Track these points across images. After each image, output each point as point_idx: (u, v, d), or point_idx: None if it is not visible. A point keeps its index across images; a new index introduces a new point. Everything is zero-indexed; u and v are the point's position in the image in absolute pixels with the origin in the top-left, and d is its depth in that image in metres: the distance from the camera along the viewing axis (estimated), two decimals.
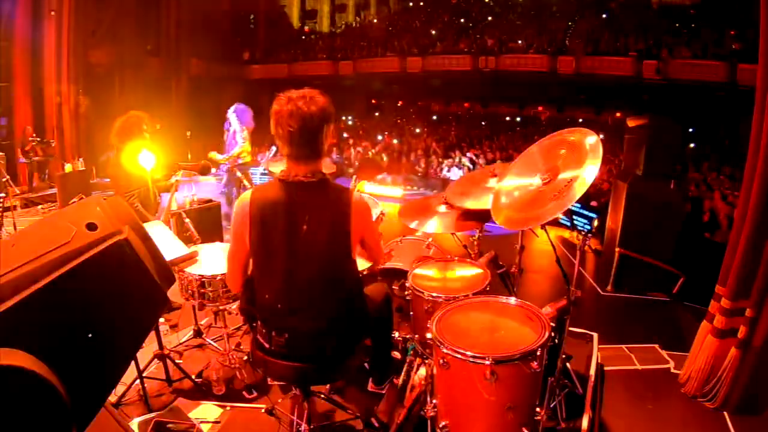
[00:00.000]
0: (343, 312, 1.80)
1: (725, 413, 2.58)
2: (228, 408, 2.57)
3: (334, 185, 1.78)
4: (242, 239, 1.75)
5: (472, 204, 2.64)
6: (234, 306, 2.74)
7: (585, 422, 2.32)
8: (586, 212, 7.85)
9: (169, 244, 2.53)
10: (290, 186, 1.71)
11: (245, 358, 2.90)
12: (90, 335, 1.16)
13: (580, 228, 7.22)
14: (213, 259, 2.80)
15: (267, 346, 1.81)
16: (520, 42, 17.03)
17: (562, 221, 7.08)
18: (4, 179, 6.99)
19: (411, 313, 2.46)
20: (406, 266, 2.73)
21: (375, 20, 24.04)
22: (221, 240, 4.22)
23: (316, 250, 1.70)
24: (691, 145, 14.29)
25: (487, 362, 1.66)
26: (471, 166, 12.25)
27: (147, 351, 2.82)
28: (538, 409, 1.84)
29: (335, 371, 1.90)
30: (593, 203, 8.19)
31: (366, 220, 1.82)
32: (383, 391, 2.49)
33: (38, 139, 9.23)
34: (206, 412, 2.54)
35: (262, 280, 1.78)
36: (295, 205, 1.69)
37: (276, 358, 1.81)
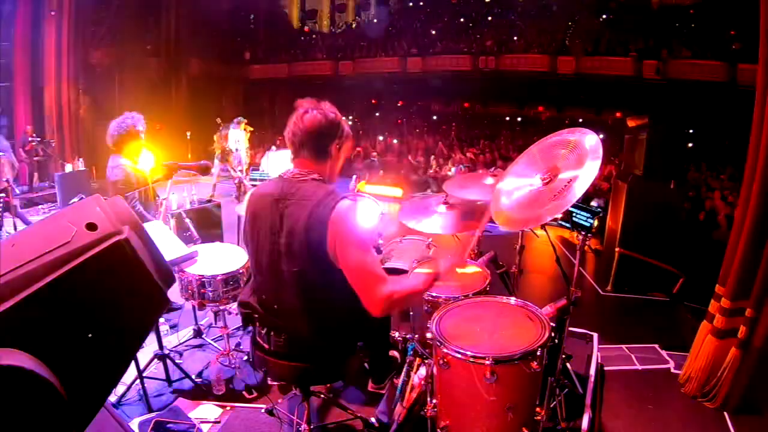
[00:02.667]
0: (336, 314, 1.75)
1: (725, 413, 2.59)
2: (228, 408, 2.57)
3: (326, 188, 1.70)
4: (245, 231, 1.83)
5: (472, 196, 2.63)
6: (234, 305, 2.74)
7: (585, 422, 2.32)
8: (586, 211, 7.85)
9: (169, 244, 2.53)
10: (284, 181, 1.74)
11: (245, 358, 2.90)
12: (90, 335, 1.16)
13: (580, 227, 7.21)
14: (213, 259, 2.80)
15: (267, 347, 1.81)
16: (516, 38, 17.02)
17: (561, 222, 7.07)
18: (4, 179, 6.99)
19: (411, 313, 2.46)
20: (406, 266, 2.73)
21: (375, 20, 24.03)
22: (221, 240, 4.21)
23: (295, 246, 1.65)
24: (691, 145, 14.28)
25: (487, 362, 1.66)
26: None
27: (147, 351, 2.82)
28: (538, 409, 1.84)
29: (335, 371, 1.90)
30: (593, 203, 8.19)
31: (342, 236, 1.59)
32: (383, 391, 2.49)
33: (38, 139, 9.24)
34: (206, 412, 2.54)
35: (257, 279, 1.81)
36: (282, 198, 1.70)
37: (276, 359, 1.81)
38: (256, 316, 1.83)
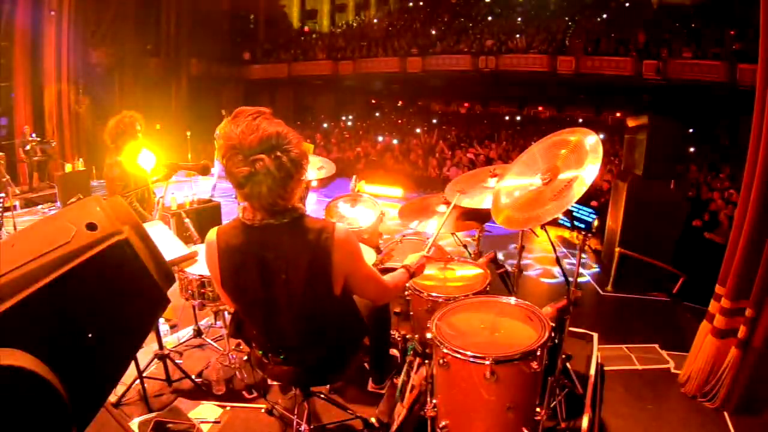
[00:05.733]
0: (335, 342, 1.74)
1: (725, 413, 2.58)
2: (228, 408, 2.56)
3: (311, 223, 1.52)
4: (218, 281, 1.64)
5: (469, 203, 2.64)
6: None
7: (585, 422, 2.32)
8: (586, 212, 7.86)
9: (169, 244, 2.53)
10: (260, 232, 1.49)
11: (245, 358, 2.90)
12: (90, 335, 1.16)
13: (579, 227, 7.23)
14: None
15: (264, 361, 1.80)
16: (518, 36, 17.03)
17: (561, 222, 7.08)
18: (4, 179, 7.00)
19: (411, 313, 2.46)
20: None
21: (375, 20, 24.03)
22: None
23: (295, 298, 1.55)
24: (691, 146, 14.31)
25: (487, 362, 1.66)
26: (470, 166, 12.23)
27: (147, 351, 2.82)
28: (538, 409, 1.84)
29: (335, 372, 1.90)
30: (593, 203, 8.19)
31: (352, 257, 1.57)
32: (383, 391, 2.49)
33: (38, 139, 9.24)
34: (206, 412, 2.54)
35: (247, 319, 1.74)
36: (269, 253, 1.49)
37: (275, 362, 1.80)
38: (253, 343, 1.82)
